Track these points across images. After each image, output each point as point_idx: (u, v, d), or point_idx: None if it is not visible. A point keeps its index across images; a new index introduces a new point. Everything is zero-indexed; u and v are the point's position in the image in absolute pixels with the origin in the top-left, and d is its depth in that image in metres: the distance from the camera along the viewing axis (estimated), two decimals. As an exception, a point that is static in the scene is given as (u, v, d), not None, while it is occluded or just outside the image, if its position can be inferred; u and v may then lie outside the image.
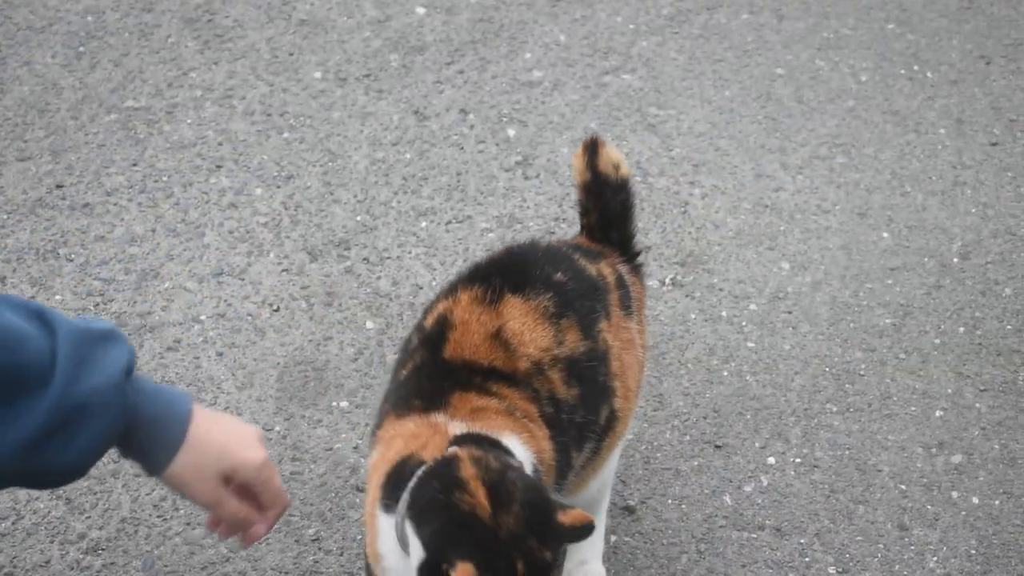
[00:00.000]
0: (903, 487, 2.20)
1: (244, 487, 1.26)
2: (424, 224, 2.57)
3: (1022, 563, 2.11)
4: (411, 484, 1.39)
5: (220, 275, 2.43)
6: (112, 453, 1.19)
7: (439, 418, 1.49)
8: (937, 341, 2.46)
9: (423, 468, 1.39)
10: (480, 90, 2.91)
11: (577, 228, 1.85)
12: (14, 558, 1.96)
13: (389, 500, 1.43)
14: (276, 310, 2.38)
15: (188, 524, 2.01)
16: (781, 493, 2.17)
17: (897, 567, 2.08)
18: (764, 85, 3.02)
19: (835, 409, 2.32)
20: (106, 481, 2.06)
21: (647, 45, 3.09)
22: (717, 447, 2.23)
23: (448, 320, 1.56)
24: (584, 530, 1.36)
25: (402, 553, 1.41)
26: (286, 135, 2.74)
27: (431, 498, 1.35)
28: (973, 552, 2.12)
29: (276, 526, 1.58)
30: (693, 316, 2.45)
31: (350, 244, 2.51)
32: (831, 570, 2.07)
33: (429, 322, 1.59)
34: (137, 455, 1.19)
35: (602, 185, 1.78)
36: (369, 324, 2.37)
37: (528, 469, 1.47)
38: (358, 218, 2.57)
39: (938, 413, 2.33)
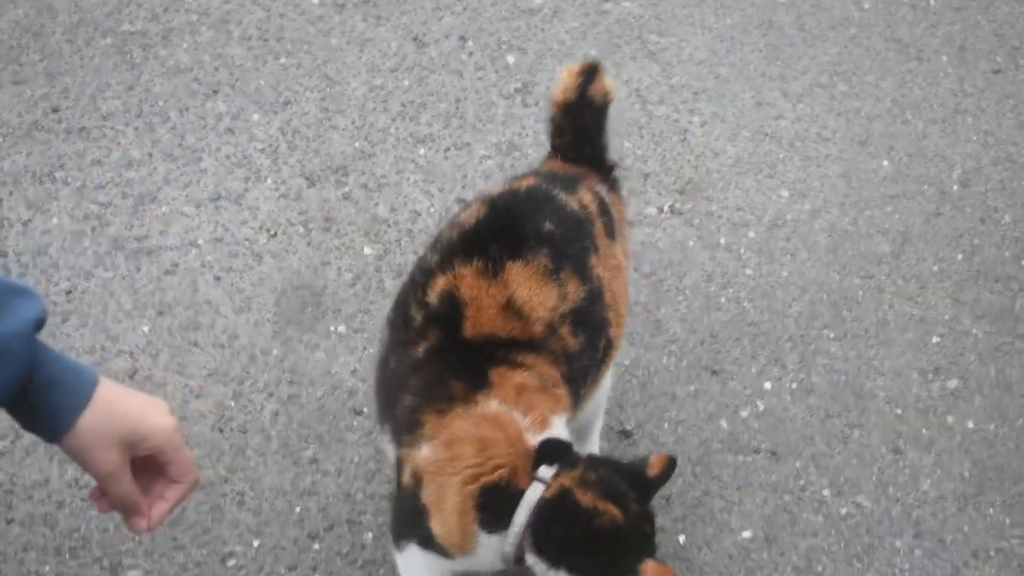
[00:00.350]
0: (899, 412, 2.21)
1: (150, 459, 1.21)
2: (422, 151, 2.56)
3: (1015, 485, 2.13)
4: (525, 519, 1.48)
5: (217, 200, 2.42)
6: None
7: (491, 406, 1.52)
8: (935, 268, 2.46)
9: (536, 503, 1.48)
10: (480, 16, 2.88)
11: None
12: (13, 475, 1.97)
13: (492, 524, 1.51)
14: (274, 235, 2.37)
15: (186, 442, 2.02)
16: (777, 418, 2.18)
17: (891, 489, 2.10)
18: (765, 12, 2.99)
19: (832, 335, 2.32)
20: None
21: (648, -29, 3.06)
22: (714, 372, 2.24)
23: (456, 297, 1.56)
24: (671, 468, 1.54)
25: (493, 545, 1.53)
26: (283, 60, 2.71)
27: (573, 541, 1.48)
28: (967, 475, 2.13)
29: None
30: (691, 243, 2.45)
31: (348, 170, 2.50)
32: (825, 492, 2.09)
33: (432, 298, 1.58)
34: (35, 418, 1.14)
35: (584, 107, 1.76)
36: (367, 249, 2.36)
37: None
38: (356, 144, 2.55)
39: (935, 339, 2.34)
